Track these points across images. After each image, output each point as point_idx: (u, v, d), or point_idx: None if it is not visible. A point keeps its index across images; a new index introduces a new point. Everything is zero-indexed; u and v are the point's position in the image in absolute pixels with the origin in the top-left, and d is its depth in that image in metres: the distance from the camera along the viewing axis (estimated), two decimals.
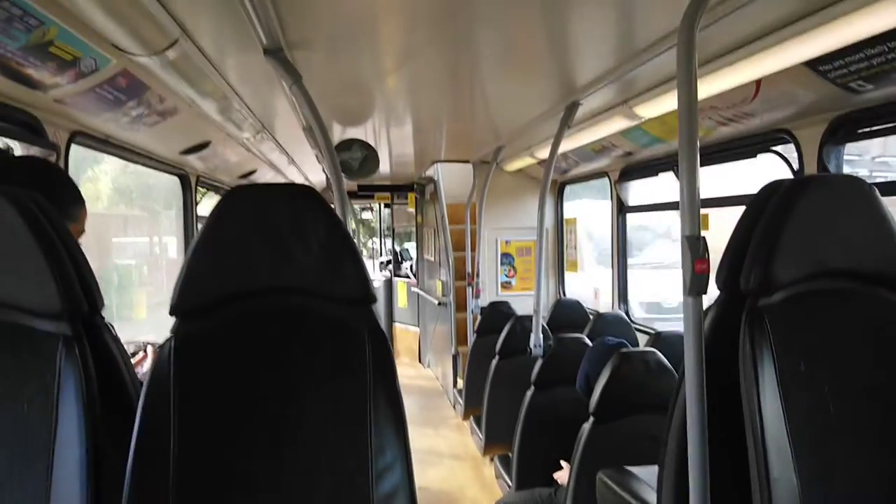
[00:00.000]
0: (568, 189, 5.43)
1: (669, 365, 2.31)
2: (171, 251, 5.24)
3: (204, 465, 1.14)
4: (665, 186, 3.85)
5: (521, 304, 4.81)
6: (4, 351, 1.17)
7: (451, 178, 6.31)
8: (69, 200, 1.59)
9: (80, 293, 1.21)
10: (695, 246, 1.36)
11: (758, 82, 2.26)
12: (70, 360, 1.15)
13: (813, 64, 1.98)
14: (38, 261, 1.16)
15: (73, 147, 2.42)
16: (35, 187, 1.27)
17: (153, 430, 1.14)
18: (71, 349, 1.16)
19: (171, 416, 1.14)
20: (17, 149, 2.08)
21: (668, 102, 2.68)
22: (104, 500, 1.14)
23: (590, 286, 5.67)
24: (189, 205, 4.11)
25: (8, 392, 1.14)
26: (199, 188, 4.22)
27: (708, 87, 2.29)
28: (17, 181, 1.35)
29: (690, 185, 1.40)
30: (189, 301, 1.21)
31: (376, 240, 12.65)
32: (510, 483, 3.39)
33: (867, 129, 2.26)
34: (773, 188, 1.34)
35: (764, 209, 1.32)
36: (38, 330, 1.17)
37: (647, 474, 1.82)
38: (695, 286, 1.36)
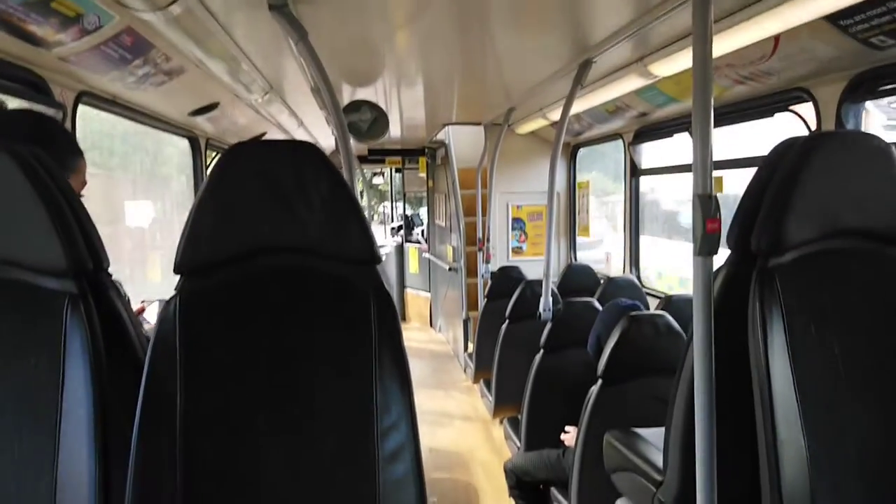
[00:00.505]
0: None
1: (679, 328, 2.30)
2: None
3: (210, 421, 1.15)
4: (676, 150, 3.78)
5: (532, 269, 4.80)
6: (10, 309, 1.17)
7: (463, 143, 6.24)
8: (68, 153, 1.57)
9: (84, 250, 1.20)
10: (706, 205, 1.33)
11: (776, 38, 2.19)
12: (76, 318, 1.16)
13: (834, 18, 1.91)
14: (41, 218, 1.16)
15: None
16: (33, 141, 1.26)
17: (159, 386, 1.14)
18: (76, 306, 1.16)
19: (177, 372, 1.15)
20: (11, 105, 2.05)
21: (683, 60, 2.61)
22: (111, 455, 1.15)
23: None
24: (199, 167, 4.10)
25: (15, 349, 1.15)
26: (208, 151, 4.20)
27: (725, 43, 2.22)
28: (13, 136, 1.33)
29: (704, 142, 1.36)
30: (193, 259, 1.21)
31: (387, 204, 12.62)
32: (519, 444, 3.42)
33: (888, 87, 2.19)
34: (787, 146, 1.31)
35: (777, 167, 1.28)
36: (43, 288, 1.17)
37: (653, 436, 1.82)
38: (705, 246, 1.33)
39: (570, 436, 2.65)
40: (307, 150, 1.25)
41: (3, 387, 1.14)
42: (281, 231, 1.22)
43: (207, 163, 4.18)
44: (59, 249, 1.16)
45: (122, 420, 1.16)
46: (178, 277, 1.22)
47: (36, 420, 1.13)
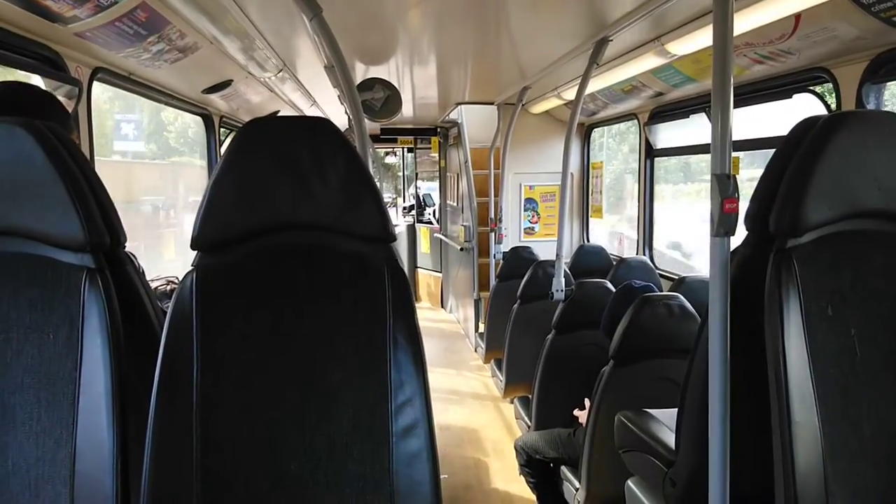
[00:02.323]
0: None
1: (692, 309, 2.29)
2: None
3: (226, 394, 1.16)
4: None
5: (544, 249, 4.79)
6: (29, 282, 1.18)
7: (475, 122, 6.21)
8: (65, 120, 1.55)
9: (101, 225, 1.21)
10: (724, 185, 1.32)
11: (797, 17, 2.15)
12: (94, 292, 1.17)
13: None
14: (60, 193, 1.17)
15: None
16: (33, 113, 1.25)
17: (176, 360, 1.16)
18: (94, 281, 1.17)
19: (193, 346, 1.16)
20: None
21: (702, 39, 2.58)
22: (129, 427, 1.17)
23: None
24: (213, 145, 4.11)
25: (34, 322, 1.16)
26: (222, 129, 4.21)
27: (745, 21, 2.19)
28: (15, 109, 1.33)
29: (723, 122, 1.35)
30: (210, 235, 1.21)
31: (399, 186, 12.60)
32: (529, 423, 3.44)
33: None
34: (807, 125, 1.29)
35: (797, 147, 1.26)
36: (61, 262, 1.18)
37: (666, 417, 1.82)
38: (723, 226, 1.32)
39: (583, 413, 2.66)
40: (324, 127, 1.25)
41: (22, 360, 1.15)
42: (297, 207, 1.22)
43: (221, 140, 4.19)
44: (78, 224, 1.17)
45: (140, 393, 1.18)
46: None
47: (55, 393, 1.14)
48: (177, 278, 2.26)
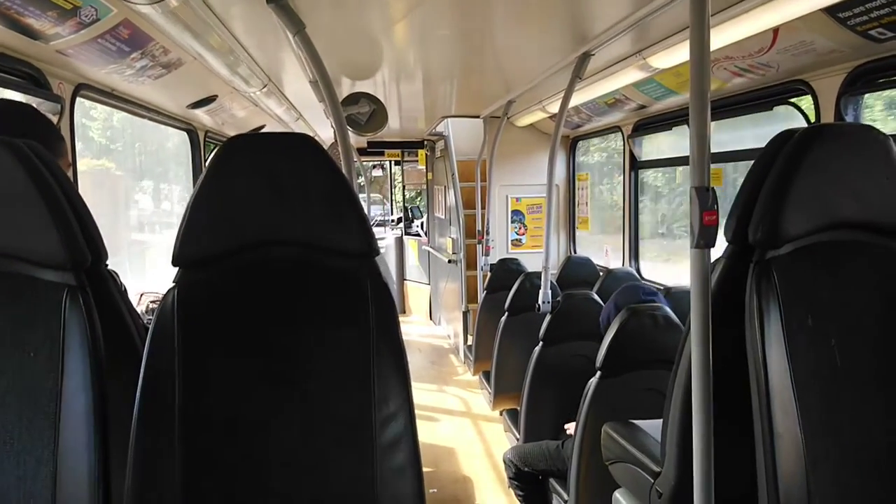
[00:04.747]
0: None
1: (678, 320, 2.30)
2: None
3: (209, 412, 1.16)
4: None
5: (532, 261, 4.81)
6: (10, 301, 1.17)
7: (462, 135, 6.23)
8: (54, 138, 1.55)
9: (83, 243, 1.20)
10: (704, 197, 1.33)
11: (775, 30, 2.19)
12: (75, 310, 1.16)
13: (832, 10, 1.91)
14: (40, 211, 1.16)
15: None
16: (19, 132, 1.25)
17: (158, 377, 1.15)
18: (75, 299, 1.16)
19: (175, 363, 1.15)
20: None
21: (682, 53, 2.61)
22: (111, 446, 1.16)
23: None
24: (197, 160, 4.10)
25: (14, 341, 1.15)
26: (207, 143, 4.20)
27: (724, 35, 2.22)
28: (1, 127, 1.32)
29: (701, 134, 1.36)
30: (191, 251, 1.21)
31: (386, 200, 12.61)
32: (518, 436, 3.43)
33: (887, 80, 2.19)
34: (785, 137, 1.31)
35: (775, 158, 1.28)
36: (42, 280, 1.17)
37: (651, 427, 1.83)
38: (703, 238, 1.33)
39: (573, 425, 2.66)
40: (305, 143, 1.25)
41: (2, 378, 1.14)
42: (279, 224, 1.22)
43: (206, 156, 4.18)
44: (58, 242, 1.16)
45: (122, 411, 1.17)
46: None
47: (36, 411, 1.13)
48: None
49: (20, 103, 1.88)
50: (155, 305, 2.17)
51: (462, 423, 4.64)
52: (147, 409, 1.15)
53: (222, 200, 1.21)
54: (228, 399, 1.17)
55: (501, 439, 4.20)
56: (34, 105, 2.09)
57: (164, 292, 1.21)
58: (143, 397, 1.15)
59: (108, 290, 1.27)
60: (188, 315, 1.17)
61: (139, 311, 1.90)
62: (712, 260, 1.36)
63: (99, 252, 1.27)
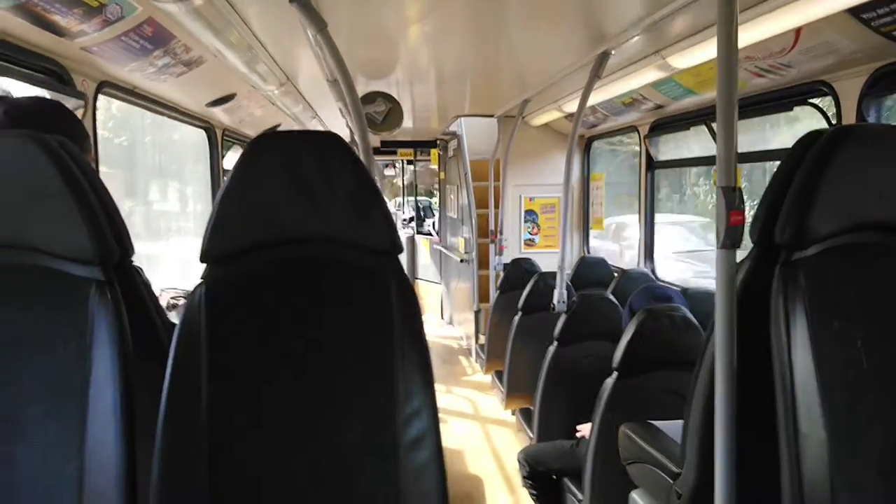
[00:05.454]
0: None
1: (695, 321, 2.29)
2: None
3: (234, 408, 1.16)
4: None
5: (545, 261, 4.80)
6: (38, 295, 1.18)
7: (475, 134, 6.23)
8: (80, 136, 1.56)
9: (111, 239, 1.21)
10: (730, 197, 1.33)
11: (797, 31, 2.18)
12: (102, 305, 1.17)
13: (856, 11, 1.90)
14: (69, 207, 1.17)
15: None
16: (47, 127, 1.26)
17: (184, 374, 1.16)
18: (103, 293, 1.17)
19: (202, 359, 1.16)
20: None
21: (703, 52, 2.60)
22: (138, 441, 1.17)
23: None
24: (215, 158, 4.12)
25: (42, 335, 1.16)
26: (224, 141, 4.23)
27: (746, 35, 2.20)
28: (29, 123, 1.34)
29: (728, 134, 1.36)
30: (219, 248, 1.22)
31: (398, 199, 12.62)
32: (531, 435, 3.43)
33: None
34: (812, 137, 1.30)
35: (802, 159, 1.27)
36: (70, 275, 1.18)
37: (670, 428, 1.82)
38: (729, 238, 1.33)
39: (587, 426, 2.66)
40: (331, 141, 1.26)
41: (31, 373, 1.15)
42: (306, 220, 1.23)
43: (223, 154, 4.21)
44: (86, 237, 1.17)
45: (148, 407, 1.17)
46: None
47: (63, 406, 1.14)
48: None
49: (50, 100, 1.90)
50: (175, 301, 2.18)
51: (474, 423, 4.64)
52: (173, 404, 1.15)
53: (250, 198, 1.22)
54: (254, 395, 1.18)
55: (513, 439, 4.19)
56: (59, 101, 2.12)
57: (191, 289, 1.22)
58: (170, 393, 1.15)
59: (135, 285, 1.28)
60: (215, 311, 1.18)
61: None
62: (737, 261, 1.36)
63: (126, 248, 1.28)
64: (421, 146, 7.59)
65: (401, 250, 1.28)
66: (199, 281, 1.21)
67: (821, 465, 1.17)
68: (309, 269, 1.24)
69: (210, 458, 1.14)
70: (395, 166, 11.20)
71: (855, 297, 1.23)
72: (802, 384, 1.19)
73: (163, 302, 2.10)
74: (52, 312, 1.17)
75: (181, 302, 2.15)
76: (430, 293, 8.51)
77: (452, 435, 4.34)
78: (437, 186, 8.50)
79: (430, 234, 8.95)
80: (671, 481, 1.62)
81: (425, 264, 8.75)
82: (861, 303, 1.23)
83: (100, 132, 2.46)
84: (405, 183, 11.01)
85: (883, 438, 1.19)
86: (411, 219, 10.02)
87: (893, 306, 1.24)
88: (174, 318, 1.86)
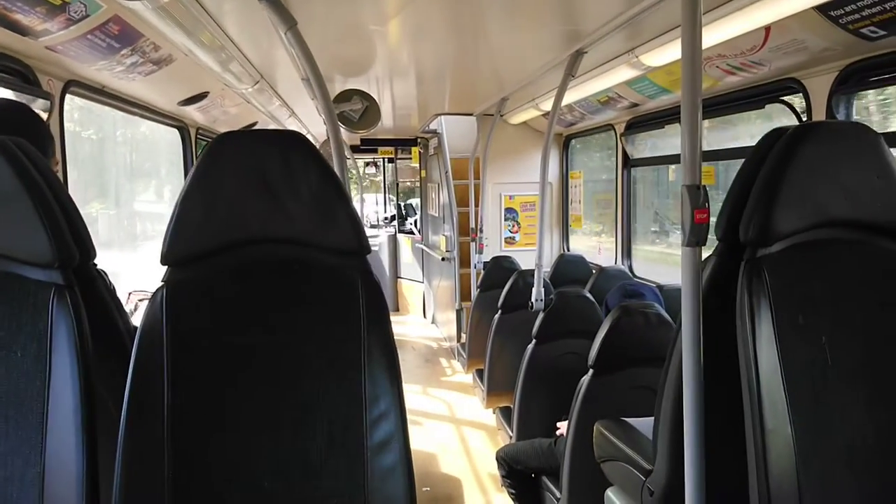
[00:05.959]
0: None
1: (669, 318, 2.31)
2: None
3: (197, 411, 1.15)
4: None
5: (525, 259, 4.80)
6: None
7: (455, 133, 6.22)
8: (44, 138, 1.53)
9: (71, 242, 1.19)
10: (695, 195, 1.33)
11: (767, 28, 2.19)
12: (62, 309, 1.15)
13: (824, 9, 1.92)
14: (27, 210, 1.15)
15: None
16: (10, 130, 1.24)
17: (146, 377, 1.14)
18: (63, 298, 1.15)
19: (164, 362, 1.14)
20: None
21: (675, 51, 2.61)
22: (99, 445, 1.15)
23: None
24: (188, 157, 4.08)
25: (1, 340, 1.14)
26: (199, 140, 4.18)
27: (716, 33, 2.22)
28: None
29: (692, 133, 1.36)
30: (180, 250, 1.20)
31: (380, 196, 12.57)
32: (511, 433, 3.44)
33: (879, 78, 2.20)
34: (776, 135, 1.31)
35: (766, 156, 1.28)
36: (29, 279, 1.16)
37: (643, 425, 1.83)
38: (694, 236, 1.34)
39: (564, 425, 2.67)
40: (295, 140, 1.24)
41: None
42: (268, 222, 1.21)
43: (197, 153, 4.16)
44: (46, 241, 1.15)
45: (110, 410, 1.16)
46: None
47: (23, 411, 1.12)
48: None
49: (11, 101, 1.87)
50: (143, 304, 2.15)
51: (455, 420, 4.64)
52: (135, 408, 1.14)
53: (211, 198, 1.20)
54: (217, 397, 1.16)
55: (495, 438, 4.20)
56: (24, 102, 2.08)
57: (153, 291, 1.20)
58: (131, 397, 1.14)
59: (96, 289, 1.27)
60: (177, 314, 1.16)
61: (128, 311, 1.89)
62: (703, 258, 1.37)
63: (87, 251, 1.26)
64: (402, 144, 7.58)
65: (368, 251, 1.27)
66: (160, 284, 1.19)
67: (787, 460, 1.18)
68: (273, 270, 1.22)
69: (172, 461, 1.13)
70: (376, 165, 11.16)
71: (819, 293, 1.24)
72: (767, 380, 1.20)
73: (131, 304, 2.07)
74: (11, 317, 1.15)
75: None
76: (413, 292, 8.50)
77: (433, 436, 4.33)
78: (419, 184, 8.49)
79: (412, 233, 8.92)
80: (643, 478, 1.63)
81: (408, 262, 8.73)
82: (826, 299, 1.24)
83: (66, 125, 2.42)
84: (386, 181, 10.98)
85: (849, 433, 1.20)
86: (393, 217, 9.99)
87: (858, 302, 1.25)
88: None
